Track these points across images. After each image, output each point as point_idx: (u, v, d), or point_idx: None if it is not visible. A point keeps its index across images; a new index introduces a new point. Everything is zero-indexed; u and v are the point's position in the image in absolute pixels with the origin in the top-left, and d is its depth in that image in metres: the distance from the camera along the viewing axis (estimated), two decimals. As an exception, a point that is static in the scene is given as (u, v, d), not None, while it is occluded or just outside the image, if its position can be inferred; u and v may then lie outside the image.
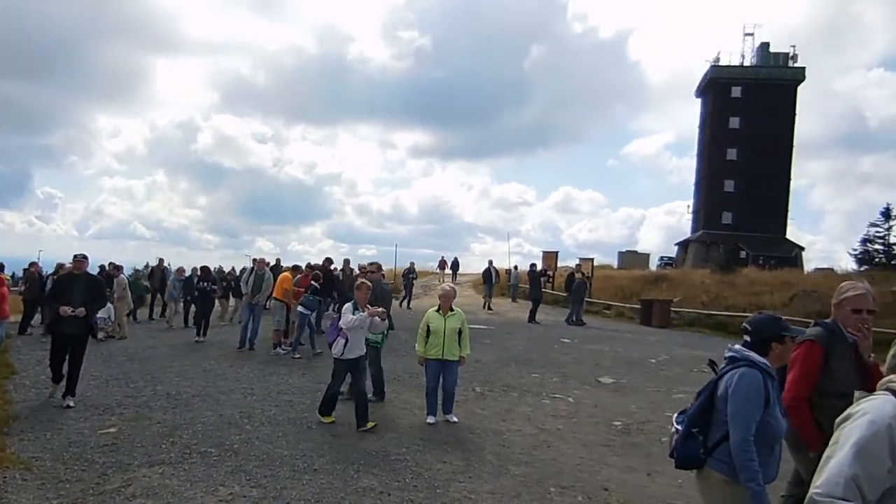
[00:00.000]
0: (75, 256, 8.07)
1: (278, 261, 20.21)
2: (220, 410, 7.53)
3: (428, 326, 7.39)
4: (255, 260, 14.05)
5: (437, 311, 7.48)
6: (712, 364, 3.39)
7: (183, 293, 15.91)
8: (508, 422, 7.75)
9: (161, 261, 19.90)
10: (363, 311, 7.14)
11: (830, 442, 2.02)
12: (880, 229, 31.54)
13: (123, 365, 10.41)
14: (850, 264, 32.15)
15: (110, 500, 4.81)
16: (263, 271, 12.97)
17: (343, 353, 7.09)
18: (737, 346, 3.16)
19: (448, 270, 35.78)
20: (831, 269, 33.06)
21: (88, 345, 7.96)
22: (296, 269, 14.41)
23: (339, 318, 7.21)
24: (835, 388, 3.37)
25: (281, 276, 13.32)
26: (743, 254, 46.83)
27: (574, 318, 20.00)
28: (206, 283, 14.23)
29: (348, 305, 7.25)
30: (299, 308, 12.16)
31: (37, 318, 14.50)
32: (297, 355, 11.70)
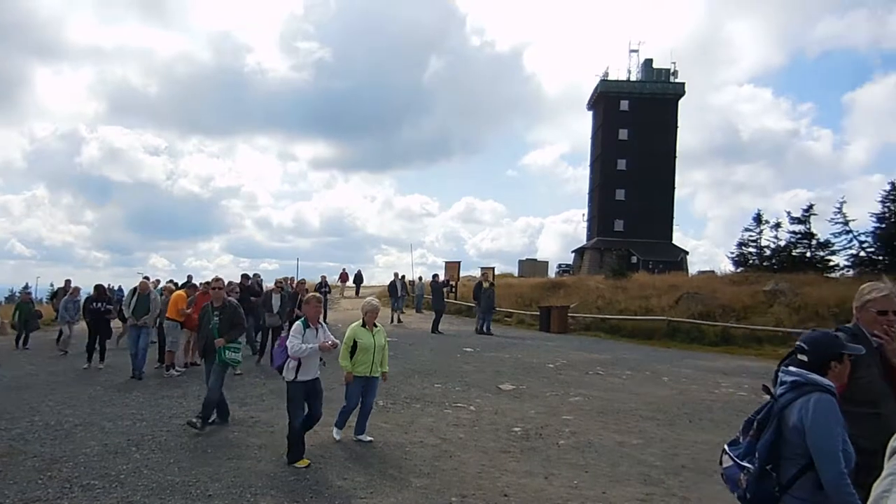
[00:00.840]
0: None
1: (189, 278, 19.58)
2: (106, 439, 7.09)
3: (355, 342, 7.01)
4: (143, 280, 13.22)
5: (363, 326, 7.14)
6: (767, 389, 3.07)
7: (77, 315, 14.83)
8: (411, 434, 7.78)
9: (68, 282, 17.82)
10: (315, 330, 6.48)
11: (886, 473, 1.84)
12: (753, 233, 33.97)
13: (-5, 396, 9.60)
14: (729, 266, 34.51)
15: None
16: (148, 291, 12.09)
17: (296, 376, 6.36)
18: (794, 369, 2.91)
19: (351, 283, 35.41)
20: (713, 272, 35.42)
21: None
22: (191, 286, 13.84)
23: (286, 339, 6.48)
24: (863, 396, 3.17)
25: (175, 294, 12.71)
26: (634, 259, 49.34)
27: (484, 328, 20.27)
28: (100, 304, 12.92)
29: (298, 325, 6.47)
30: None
31: None
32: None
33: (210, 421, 7.52)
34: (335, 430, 7.35)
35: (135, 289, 12.31)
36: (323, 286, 23.68)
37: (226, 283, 14.59)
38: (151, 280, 15.46)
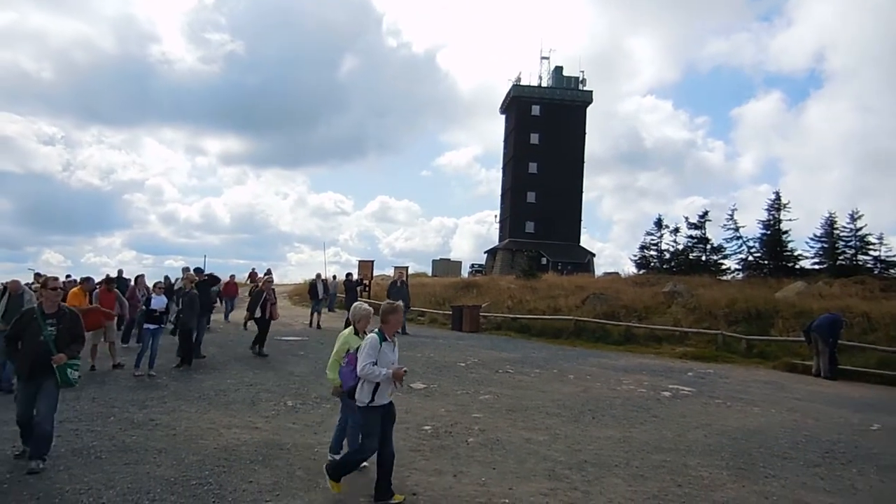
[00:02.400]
0: None
1: (120, 272, 18.20)
2: (2, 445, 6.59)
3: (348, 351, 6.13)
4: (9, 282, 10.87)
5: (356, 333, 6.26)
6: None
7: None
8: (320, 434, 7.67)
9: None
10: (392, 344, 5.54)
11: None
12: (654, 237, 35.82)
13: None
14: (632, 268, 36.14)
15: None
16: (21, 292, 10.31)
17: (373, 399, 5.35)
18: None
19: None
20: (617, 273, 37.01)
21: None
22: (86, 281, 12.91)
23: (354, 357, 5.61)
24: None
25: (71, 291, 11.87)
26: (544, 260, 50.71)
27: (400, 329, 20.15)
28: None
29: (374, 339, 5.41)
30: (146, 325, 11.38)
31: None
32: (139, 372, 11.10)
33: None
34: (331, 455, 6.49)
35: (5, 287, 10.62)
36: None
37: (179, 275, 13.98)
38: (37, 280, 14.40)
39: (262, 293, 13.56)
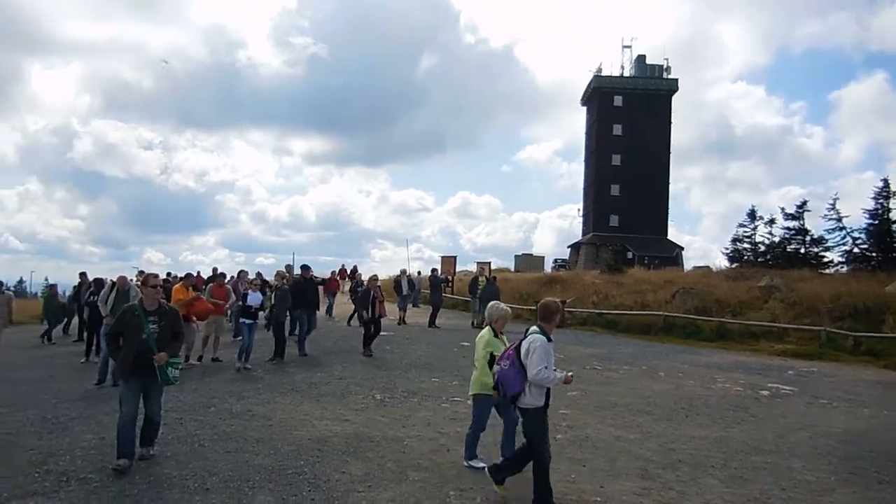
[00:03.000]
0: None
1: (215, 270, 18.45)
2: (103, 433, 7.05)
3: (492, 354, 5.93)
4: (119, 277, 11.75)
5: (495, 335, 6.14)
6: None
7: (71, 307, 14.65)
8: (408, 428, 7.77)
9: (83, 275, 16.43)
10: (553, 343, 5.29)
11: None
12: (747, 229, 34.22)
13: (-10, 389, 9.55)
14: (724, 262, 34.65)
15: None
16: (128, 288, 11.02)
17: (547, 402, 5.29)
18: None
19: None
20: (708, 267, 35.56)
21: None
22: (188, 277, 13.63)
23: (512, 354, 5.29)
24: None
25: (175, 287, 12.60)
26: (630, 254, 49.48)
27: (483, 323, 20.03)
28: (96, 297, 12.39)
29: (544, 340, 5.13)
30: (241, 320, 11.81)
31: None
32: (248, 366, 11.52)
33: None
34: (471, 459, 6.26)
35: (113, 284, 11.46)
36: (358, 284, 20.68)
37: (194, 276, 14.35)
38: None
39: (369, 292, 13.59)
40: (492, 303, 6.48)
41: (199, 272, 20.37)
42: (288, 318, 12.99)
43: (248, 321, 11.69)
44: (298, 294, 13.22)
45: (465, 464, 6.25)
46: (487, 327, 6.23)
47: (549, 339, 5.14)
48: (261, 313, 12.40)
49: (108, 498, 5.14)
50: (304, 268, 14.76)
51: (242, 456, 6.35)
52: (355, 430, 7.49)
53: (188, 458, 6.25)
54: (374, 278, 14.84)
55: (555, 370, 5.11)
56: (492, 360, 5.85)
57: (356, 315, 17.06)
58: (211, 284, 13.06)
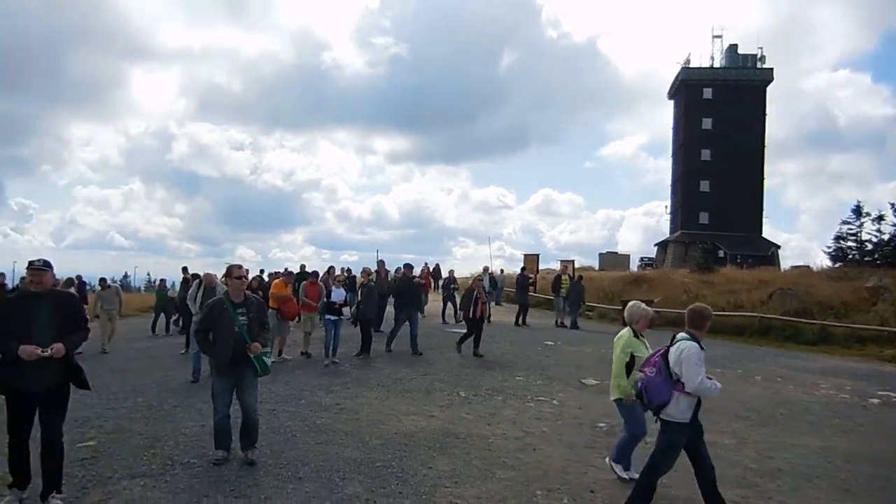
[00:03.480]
0: (31, 264, 4.73)
1: (303, 267, 18.33)
2: (203, 421, 7.40)
3: (632, 356, 5.73)
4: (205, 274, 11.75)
5: (635, 335, 5.89)
6: None
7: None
8: (493, 426, 7.75)
9: (185, 269, 17.28)
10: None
11: None
12: (852, 226, 32.03)
13: (104, 377, 10.23)
14: (825, 261, 32.64)
15: (91, 515, 4.72)
16: (215, 285, 10.85)
17: (695, 416, 4.86)
18: None
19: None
20: (807, 267, 33.56)
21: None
22: (288, 274, 14.05)
23: (659, 361, 4.88)
24: None
25: (274, 282, 13.10)
26: (721, 253, 47.41)
27: (570, 322, 19.90)
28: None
29: (696, 347, 4.72)
30: (327, 316, 11.96)
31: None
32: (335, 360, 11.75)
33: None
34: (618, 466, 5.97)
35: (200, 280, 11.42)
36: (452, 282, 20.52)
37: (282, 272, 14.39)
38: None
39: (472, 291, 13.44)
40: (631, 303, 6.21)
41: (286, 269, 20.92)
42: (379, 314, 13.02)
43: (332, 317, 11.96)
44: (405, 293, 13.38)
45: (609, 463, 6.03)
46: (627, 328, 5.95)
47: (702, 348, 4.81)
48: (345, 309, 12.66)
49: (209, 482, 5.40)
50: (408, 267, 14.70)
51: (332, 448, 6.52)
52: (441, 427, 7.54)
53: (281, 447, 6.48)
54: (478, 278, 14.69)
55: (716, 382, 4.81)
56: (631, 363, 5.69)
57: (451, 312, 17.12)
58: (304, 282, 13.37)
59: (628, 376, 5.70)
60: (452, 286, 20.50)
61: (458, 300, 17.71)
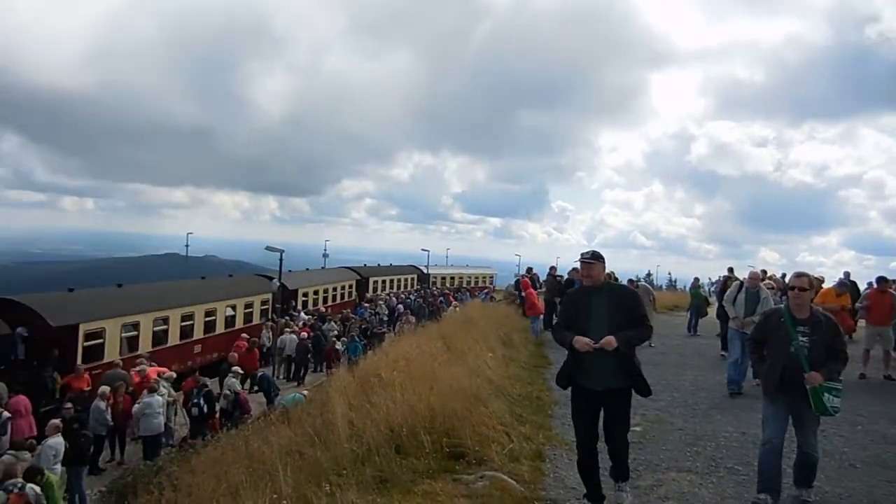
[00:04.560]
0: (583, 256, 4.60)
1: (847, 274, 15.40)
2: (743, 428, 7.12)
3: None
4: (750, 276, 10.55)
5: None
6: None
7: None
8: None
9: (730, 270, 17.45)
10: None
11: None
12: None
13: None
14: None
15: (644, 497, 5.02)
16: (757, 289, 9.77)
17: None
18: None
19: None
20: None
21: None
22: (841, 283, 12.17)
23: None
24: None
25: (822, 291, 11.66)
26: None
27: None
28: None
29: None
30: None
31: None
32: None
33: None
34: None
35: (741, 283, 10.44)
36: None
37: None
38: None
39: None
40: None
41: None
42: None
43: None
44: None
45: None
46: None
47: None
48: None
49: (753, 492, 5.04)
50: None
51: (906, 491, 5.41)
52: None
53: (836, 474, 5.72)
54: None
55: None
56: None
57: None
58: (868, 291, 11.36)
59: None
60: None
61: None
